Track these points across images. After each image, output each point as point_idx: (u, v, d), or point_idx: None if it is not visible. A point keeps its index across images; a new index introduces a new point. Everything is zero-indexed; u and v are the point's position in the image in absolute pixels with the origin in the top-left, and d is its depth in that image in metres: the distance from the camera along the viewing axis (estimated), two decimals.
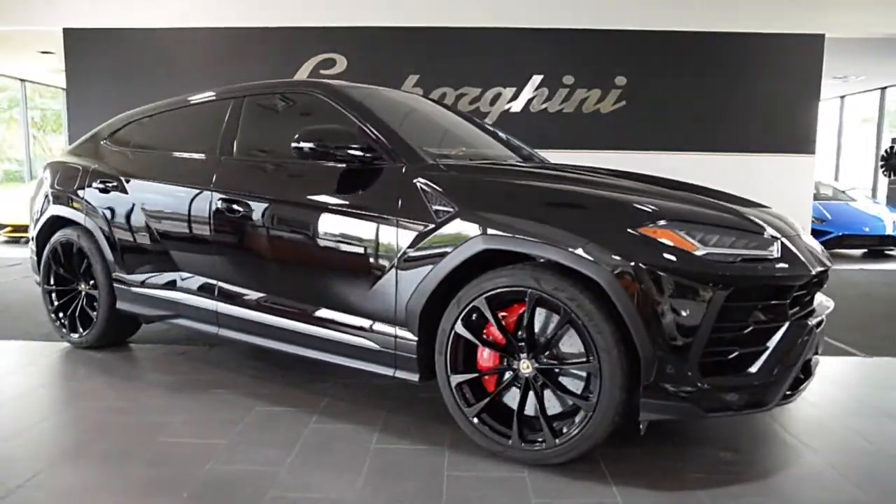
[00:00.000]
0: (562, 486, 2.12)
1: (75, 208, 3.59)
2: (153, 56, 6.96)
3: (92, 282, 3.60)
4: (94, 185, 3.50)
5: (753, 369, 2.12)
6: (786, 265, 2.17)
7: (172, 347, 3.69)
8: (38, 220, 3.82)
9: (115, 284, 3.42)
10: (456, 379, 2.34)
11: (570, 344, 2.21)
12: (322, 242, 2.65)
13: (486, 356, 2.35)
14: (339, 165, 2.63)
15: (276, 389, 3.00)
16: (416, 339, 2.42)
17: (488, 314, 2.27)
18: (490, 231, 2.25)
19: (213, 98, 3.36)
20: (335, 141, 2.55)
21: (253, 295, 2.89)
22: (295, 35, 6.91)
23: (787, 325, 2.17)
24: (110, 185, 3.43)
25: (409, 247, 2.40)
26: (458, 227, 2.30)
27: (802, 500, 2.09)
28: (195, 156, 3.22)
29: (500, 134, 3.53)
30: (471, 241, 2.27)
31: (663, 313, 2.03)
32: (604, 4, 6.86)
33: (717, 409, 2.08)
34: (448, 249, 2.31)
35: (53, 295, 3.75)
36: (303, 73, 6.93)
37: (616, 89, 6.91)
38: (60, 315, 3.72)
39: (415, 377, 2.46)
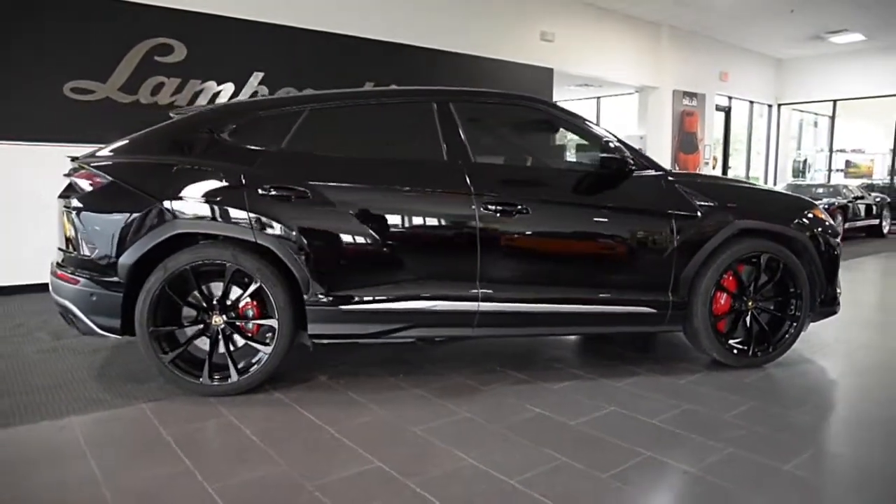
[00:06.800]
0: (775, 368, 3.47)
1: (231, 222, 2.95)
2: None
3: (233, 312, 3.05)
4: (262, 191, 2.98)
5: (836, 283, 3.82)
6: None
7: (325, 373, 3.41)
8: (135, 243, 2.90)
9: (309, 307, 3.03)
10: (716, 320, 3.40)
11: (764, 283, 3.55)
12: (609, 234, 3.31)
13: (722, 302, 3.47)
14: (595, 171, 3.31)
15: (590, 370, 3.39)
16: (685, 299, 3.35)
17: (734, 273, 3.42)
18: (745, 218, 3.39)
19: (398, 99, 3.42)
20: (620, 152, 3.23)
21: (531, 289, 3.20)
22: (125, 11, 5.71)
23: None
24: (293, 191, 3.00)
25: (682, 232, 3.31)
26: (720, 216, 3.37)
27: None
28: (429, 160, 3.26)
29: None
30: (730, 224, 3.36)
31: (828, 257, 3.57)
32: (420, 27, 7.86)
33: (838, 309, 3.72)
34: (716, 231, 3.33)
35: (161, 339, 2.98)
36: (134, 57, 5.80)
37: None
38: (182, 362, 3.00)
39: (679, 328, 3.40)
